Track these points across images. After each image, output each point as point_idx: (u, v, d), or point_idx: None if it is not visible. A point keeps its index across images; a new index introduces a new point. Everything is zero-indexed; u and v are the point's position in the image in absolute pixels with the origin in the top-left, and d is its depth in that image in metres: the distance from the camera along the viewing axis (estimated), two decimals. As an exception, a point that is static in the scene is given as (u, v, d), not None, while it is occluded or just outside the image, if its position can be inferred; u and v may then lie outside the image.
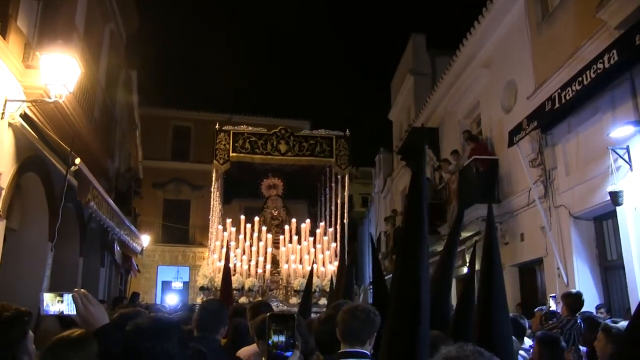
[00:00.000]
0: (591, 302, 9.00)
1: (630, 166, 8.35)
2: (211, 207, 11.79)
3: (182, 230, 28.52)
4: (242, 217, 11.86)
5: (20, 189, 9.09)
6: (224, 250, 11.03)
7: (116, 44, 15.77)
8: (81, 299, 2.46)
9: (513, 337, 4.98)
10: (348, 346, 3.27)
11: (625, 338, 1.85)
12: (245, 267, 10.92)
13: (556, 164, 10.77)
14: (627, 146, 8.40)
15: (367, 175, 33.96)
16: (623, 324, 5.21)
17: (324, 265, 11.16)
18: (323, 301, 10.26)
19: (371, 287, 25.99)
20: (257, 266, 10.96)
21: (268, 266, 11.11)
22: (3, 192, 7.78)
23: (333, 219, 12.04)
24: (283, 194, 13.05)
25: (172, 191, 29.00)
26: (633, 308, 8.08)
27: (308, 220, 12.25)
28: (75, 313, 2.47)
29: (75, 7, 10.52)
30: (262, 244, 11.28)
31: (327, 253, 11.36)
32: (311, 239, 11.71)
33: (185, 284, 28.01)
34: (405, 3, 73.84)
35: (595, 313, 8.03)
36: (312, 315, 7.01)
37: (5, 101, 7.85)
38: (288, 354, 1.97)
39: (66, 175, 8.86)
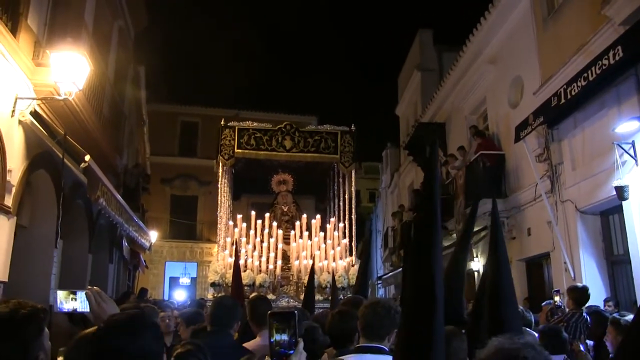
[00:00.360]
0: (598, 296, 9.06)
1: (636, 161, 8.38)
2: (219, 203, 11.80)
3: (189, 226, 28.60)
4: (253, 213, 11.87)
5: (30, 186, 9.15)
6: (234, 246, 11.09)
7: (124, 41, 15.85)
8: (94, 296, 2.50)
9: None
10: (366, 340, 3.31)
11: (629, 328, 1.90)
12: (256, 263, 10.94)
13: (562, 159, 10.79)
14: (633, 141, 8.43)
15: (375, 170, 33.94)
16: (631, 317, 5.27)
17: (334, 260, 11.18)
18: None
19: (378, 282, 26.10)
20: (268, 262, 10.98)
21: (279, 262, 11.14)
22: (13, 189, 7.85)
23: (342, 215, 12.06)
24: (293, 189, 13.06)
25: (179, 187, 29.06)
26: (640, 301, 8.15)
27: (318, 216, 12.26)
28: (88, 310, 2.52)
29: (84, 4, 10.59)
30: (272, 239, 11.29)
31: (337, 249, 11.37)
32: (322, 234, 11.73)
33: (193, 279, 28.05)
34: (412, -2, 73.66)
35: (603, 306, 8.07)
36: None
37: (16, 99, 7.92)
38: (291, 352, 2.00)
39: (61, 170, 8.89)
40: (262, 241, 11.34)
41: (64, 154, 6.85)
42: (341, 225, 11.90)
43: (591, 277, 9.87)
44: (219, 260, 11.16)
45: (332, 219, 12.25)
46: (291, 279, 11.26)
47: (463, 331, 3.21)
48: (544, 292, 11.54)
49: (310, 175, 13.19)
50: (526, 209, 12.31)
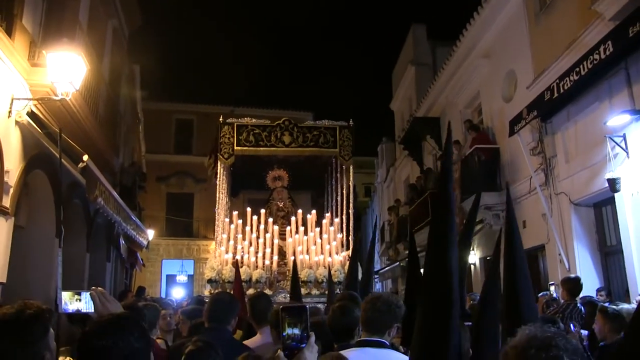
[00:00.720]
0: (592, 286, 9.18)
1: (627, 153, 8.49)
2: (217, 200, 11.84)
3: (186, 224, 28.54)
4: (249, 209, 11.90)
5: (27, 186, 9.16)
6: (231, 243, 11.12)
7: (119, 40, 15.87)
8: (99, 296, 2.53)
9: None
10: (367, 335, 3.38)
11: (629, 326, 1.96)
12: (253, 259, 10.99)
13: (556, 152, 10.88)
14: (624, 134, 8.54)
15: (370, 164, 33.95)
16: (623, 305, 5.38)
17: (330, 255, 11.23)
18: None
19: (375, 276, 26.16)
20: (264, 258, 11.03)
21: (275, 258, 11.19)
22: (11, 190, 7.88)
23: (338, 210, 12.11)
24: (288, 185, 13.09)
25: (175, 184, 28.95)
26: (631, 291, 8.27)
27: (314, 211, 12.29)
28: (92, 311, 2.54)
29: (78, 4, 10.57)
30: (268, 235, 11.34)
31: (333, 244, 11.42)
32: (317, 229, 11.77)
33: (190, 277, 27.99)
34: (405, -8, 73.60)
35: (596, 296, 8.19)
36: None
37: (12, 100, 7.94)
38: (302, 345, 2.02)
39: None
40: (258, 237, 11.39)
41: (61, 152, 6.86)
42: (337, 220, 11.95)
43: (585, 268, 9.99)
44: (217, 257, 11.20)
45: (328, 214, 12.30)
46: (287, 274, 11.26)
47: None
48: (540, 283, 11.63)
49: (307, 170, 13.21)
50: (521, 201, 12.38)
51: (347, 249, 11.62)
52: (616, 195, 8.72)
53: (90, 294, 2.56)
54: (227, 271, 10.79)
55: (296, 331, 2.04)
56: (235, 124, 11.64)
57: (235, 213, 11.74)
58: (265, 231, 11.39)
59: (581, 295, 7.18)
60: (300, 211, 12.17)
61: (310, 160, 12.48)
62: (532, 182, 11.47)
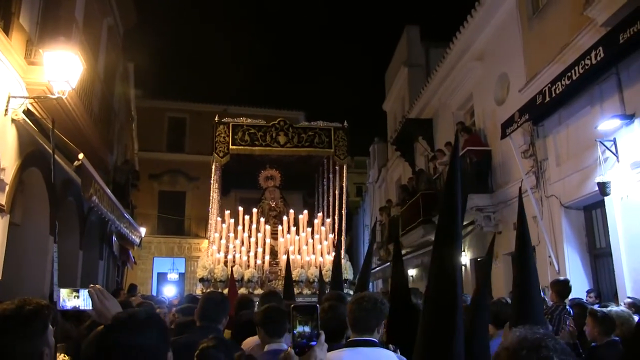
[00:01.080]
0: (581, 288, 9.30)
1: (617, 158, 8.58)
2: (211, 199, 11.88)
3: (177, 222, 28.46)
4: (240, 209, 11.95)
5: (22, 184, 9.18)
6: (223, 242, 11.17)
7: (114, 38, 15.87)
8: (97, 294, 2.57)
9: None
10: (357, 335, 3.41)
11: (632, 339, 2.04)
12: (245, 258, 11.04)
13: (547, 155, 10.97)
14: (614, 138, 8.63)
15: (361, 164, 34.00)
16: (612, 307, 5.50)
17: (322, 255, 11.30)
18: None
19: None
20: (256, 257, 11.08)
21: (267, 257, 11.24)
22: (7, 188, 7.91)
23: (330, 209, 12.17)
24: (280, 184, 13.14)
25: (167, 182, 28.83)
26: (620, 293, 8.38)
27: (306, 211, 12.36)
28: (90, 308, 2.58)
29: (74, 2, 10.59)
30: (260, 235, 11.39)
31: (325, 243, 11.48)
32: (309, 229, 11.83)
33: (181, 275, 27.92)
34: (399, -7, 73.71)
35: (585, 297, 8.30)
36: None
37: (9, 98, 7.97)
38: (313, 343, 2.05)
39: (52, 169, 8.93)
40: (250, 236, 11.44)
41: (54, 147, 6.89)
42: (328, 220, 12.01)
43: (575, 270, 10.09)
44: (209, 256, 11.24)
45: (319, 214, 12.36)
46: (279, 273, 11.33)
47: None
48: (530, 285, 11.70)
49: (300, 170, 13.28)
50: (512, 203, 12.45)
51: (340, 248, 11.70)
52: (606, 198, 8.81)
53: (88, 292, 2.60)
54: (219, 270, 10.84)
55: (307, 329, 2.07)
56: (230, 124, 11.70)
57: (227, 212, 11.79)
58: (257, 230, 11.45)
59: (570, 297, 7.27)
60: (292, 211, 12.24)
61: (302, 160, 12.56)
62: (523, 184, 11.54)
